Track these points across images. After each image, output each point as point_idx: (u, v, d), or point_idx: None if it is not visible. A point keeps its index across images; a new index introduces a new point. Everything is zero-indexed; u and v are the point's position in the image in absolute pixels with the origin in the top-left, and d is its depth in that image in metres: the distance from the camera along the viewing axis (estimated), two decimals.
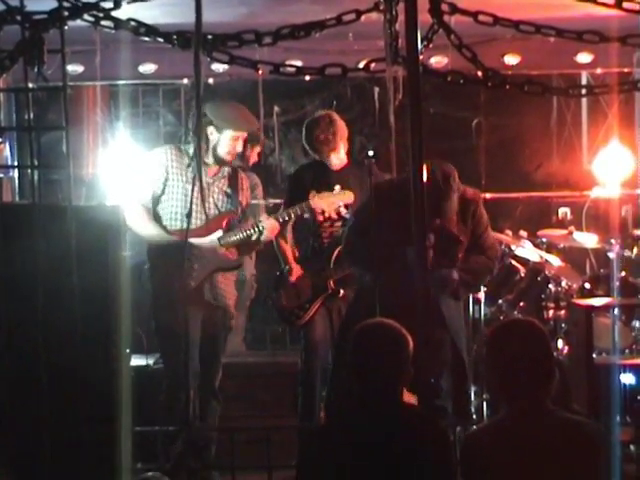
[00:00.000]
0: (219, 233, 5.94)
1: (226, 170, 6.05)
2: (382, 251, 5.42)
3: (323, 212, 6.25)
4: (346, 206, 6.25)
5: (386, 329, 3.74)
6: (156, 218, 5.97)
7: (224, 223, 5.98)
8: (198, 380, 5.89)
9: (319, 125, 6.36)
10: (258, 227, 5.97)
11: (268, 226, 6.00)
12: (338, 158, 6.40)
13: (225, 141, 5.92)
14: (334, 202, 6.15)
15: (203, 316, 5.94)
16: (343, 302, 6.32)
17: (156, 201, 5.97)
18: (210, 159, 5.94)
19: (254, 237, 6.00)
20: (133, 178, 6.12)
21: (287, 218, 6.13)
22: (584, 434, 3.49)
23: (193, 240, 5.79)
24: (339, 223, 6.35)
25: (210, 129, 5.88)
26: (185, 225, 5.80)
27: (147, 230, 5.92)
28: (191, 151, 5.97)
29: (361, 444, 3.57)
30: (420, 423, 3.67)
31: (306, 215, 6.27)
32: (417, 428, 3.63)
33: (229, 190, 6.04)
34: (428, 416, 3.79)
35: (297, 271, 6.41)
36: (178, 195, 5.92)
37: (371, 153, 6.14)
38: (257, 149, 7.59)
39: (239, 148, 6.03)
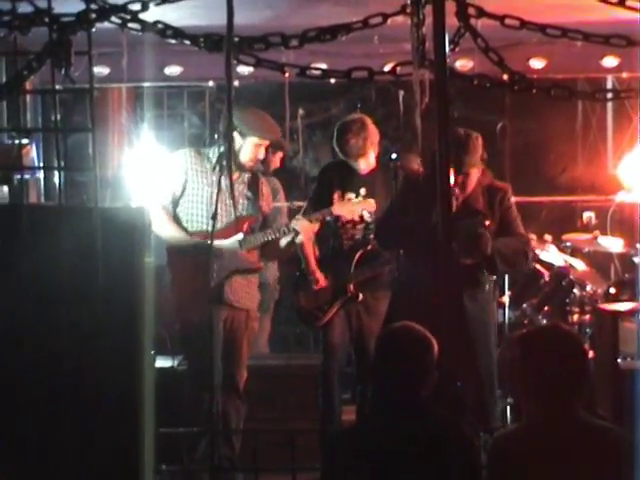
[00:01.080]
0: (240, 236, 5.95)
1: (246, 176, 6.05)
2: (414, 239, 5.36)
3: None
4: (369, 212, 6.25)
5: (410, 332, 3.74)
6: (176, 220, 6.00)
7: (245, 226, 5.98)
8: (222, 381, 5.90)
9: (351, 129, 6.31)
10: (290, 229, 5.97)
11: (302, 227, 6.00)
12: (366, 163, 6.37)
13: (248, 148, 5.91)
14: (354, 210, 6.15)
15: (225, 317, 5.95)
16: (362, 306, 6.32)
17: (175, 203, 6.00)
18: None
19: (287, 239, 6.01)
20: (153, 181, 6.15)
21: (317, 219, 6.09)
22: (611, 441, 3.48)
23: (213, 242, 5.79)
24: (361, 226, 6.34)
25: (234, 134, 5.87)
26: (205, 227, 5.83)
27: (167, 231, 5.94)
28: (211, 154, 5.99)
29: (384, 447, 3.57)
30: (444, 426, 3.67)
31: (328, 218, 6.27)
32: (440, 431, 3.63)
33: (249, 194, 6.05)
34: (452, 419, 3.78)
35: (322, 280, 6.39)
36: (197, 197, 5.95)
37: (394, 156, 6.14)
38: (279, 154, 7.57)
39: (261, 156, 6.02)
